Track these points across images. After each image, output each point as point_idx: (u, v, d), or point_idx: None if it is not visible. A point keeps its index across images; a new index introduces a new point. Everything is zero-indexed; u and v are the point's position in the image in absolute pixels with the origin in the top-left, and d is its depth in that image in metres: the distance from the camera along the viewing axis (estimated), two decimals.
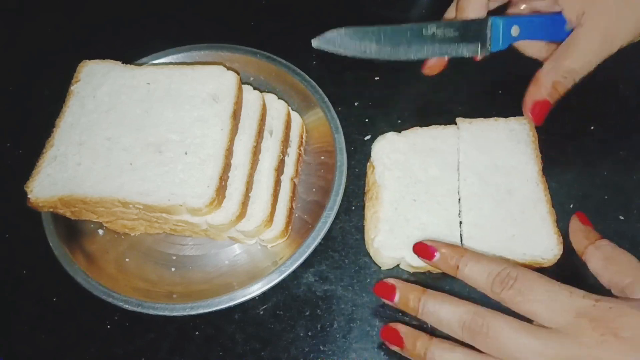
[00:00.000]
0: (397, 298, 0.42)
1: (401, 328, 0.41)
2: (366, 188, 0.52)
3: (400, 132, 0.53)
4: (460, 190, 0.50)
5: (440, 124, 0.54)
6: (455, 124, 0.53)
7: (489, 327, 0.36)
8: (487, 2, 0.52)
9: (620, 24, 0.48)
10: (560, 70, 0.49)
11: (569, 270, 0.46)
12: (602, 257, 0.42)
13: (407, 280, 0.48)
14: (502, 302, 0.38)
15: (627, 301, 0.37)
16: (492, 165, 0.51)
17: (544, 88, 0.50)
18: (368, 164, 0.53)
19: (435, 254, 0.41)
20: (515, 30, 0.52)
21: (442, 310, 0.39)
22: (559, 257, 0.46)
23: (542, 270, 0.46)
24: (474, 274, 0.39)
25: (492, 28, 0.51)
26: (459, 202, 0.49)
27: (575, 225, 0.47)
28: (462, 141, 0.52)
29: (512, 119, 0.53)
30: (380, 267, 0.49)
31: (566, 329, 0.35)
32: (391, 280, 0.43)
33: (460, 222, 0.48)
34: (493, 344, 0.36)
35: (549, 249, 0.46)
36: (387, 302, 0.43)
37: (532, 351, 0.35)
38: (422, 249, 0.42)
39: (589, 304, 0.35)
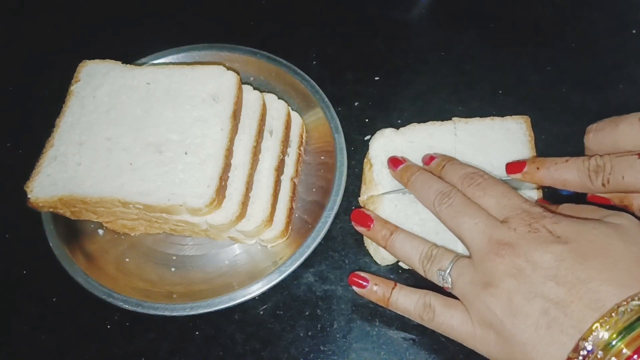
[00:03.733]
0: (400, 167, 0.48)
1: (371, 213, 0.47)
2: (363, 185, 0.52)
3: (396, 128, 0.53)
4: None
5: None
6: (451, 119, 0.54)
7: (454, 198, 0.42)
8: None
9: None
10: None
11: None
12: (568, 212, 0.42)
13: (406, 279, 0.49)
14: (471, 198, 0.42)
15: (577, 219, 0.38)
16: (488, 165, 0.51)
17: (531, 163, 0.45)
18: (365, 160, 0.53)
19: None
20: None
21: (430, 181, 0.45)
22: None
23: None
24: (450, 172, 0.46)
25: None
26: None
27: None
28: (459, 141, 0.52)
29: (508, 118, 0.53)
30: (380, 266, 0.49)
31: (509, 219, 0.38)
32: (403, 157, 0.49)
33: None
34: (450, 212, 0.41)
35: None
36: (391, 170, 0.49)
37: (474, 225, 0.39)
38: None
39: (538, 209, 0.39)
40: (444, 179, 0.45)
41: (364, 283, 0.45)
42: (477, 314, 0.38)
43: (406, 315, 0.43)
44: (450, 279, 0.40)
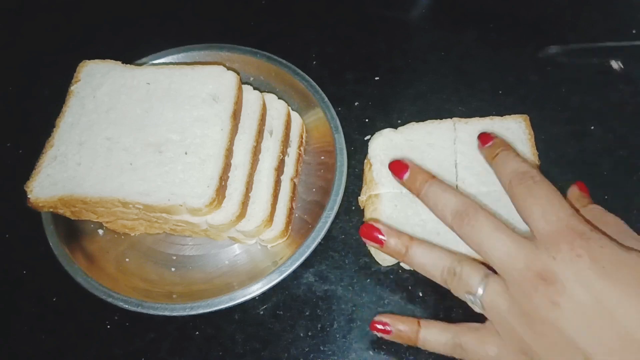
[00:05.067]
0: (407, 175, 0.44)
1: (382, 226, 0.43)
2: (364, 185, 0.52)
3: (396, 128, 0.53)
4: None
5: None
6: (450, 118, 0.54)
7: (477, 220, 0.38)
8: None
9: None
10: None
11: None
12: (591, 220, 0.40)
13: (406, 279, 0.49)
14: (512, 198, 0.39)
15: (623, 248, 0.35)
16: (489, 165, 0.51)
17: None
18: (365, 161, 0.53)
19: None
20: None
21: (444, 194, 0.41)
22: None
23: None
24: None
25: None
26: None
27: (572, 192, 0.46)
28: (459, 141, 0.52)
29: (507, 117, 0.53)
30: (380, 266, 0.49)
31: (546, 241, 0.35)
32: (405, 161, 0.45)
33: None
34: (474, 235, 0.37)
35: None
36: (396, 178, 0.45)
37: (506, 253, 0.36)
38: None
39: (583, 227, 0.35)
40: (493, 168, 0.43)
41: (388, 328, 0.42)
42: (514, 344, 0.36)
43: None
44: (481, 304, 0.37)
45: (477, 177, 0.50)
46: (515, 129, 0.52)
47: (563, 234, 0.35)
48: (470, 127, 0.53)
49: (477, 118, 0.53)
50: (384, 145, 0.52)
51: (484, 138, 0.45)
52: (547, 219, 0.36)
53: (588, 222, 0.36)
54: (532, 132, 0.52)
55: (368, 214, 0.50)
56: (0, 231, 0.54)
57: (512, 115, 0.53)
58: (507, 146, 0.43)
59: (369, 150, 0.53)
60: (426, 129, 0.53)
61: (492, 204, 0.49)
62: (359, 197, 0.52)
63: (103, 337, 0.48)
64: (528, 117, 0.53)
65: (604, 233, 0.36)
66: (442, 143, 0.52)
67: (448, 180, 0.50)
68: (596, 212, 0.42)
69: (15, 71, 0.66)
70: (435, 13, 0.67)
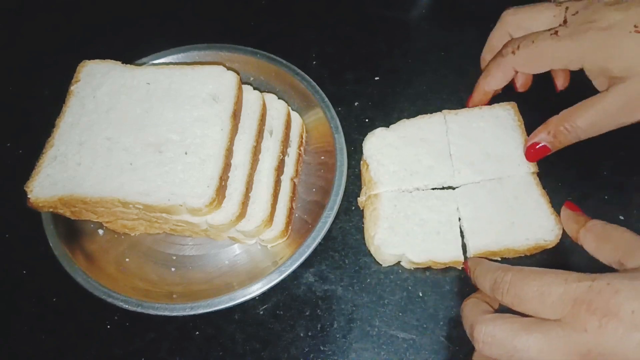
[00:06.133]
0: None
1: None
2: (363, 186, 0.52)
3: (388, 127, 0.54)
4: (455, 184, 0.50)
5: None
6: (439, 111, 0.55)
7: (494, 328, 0.36)
8: (512, 74, 0.53)
9: None
10: (567, 122, 0.48)
11: (576, 250, 0.45)
12: (594, 238, 0.42)
13: (406, 279, 0.49)
14: (507, 306, 0.38)
15: (623, 274, 0.35)
16: (483, 153, 0.51)
17: (546, 132, 0.49)
18: (362, 162, 0.53)
19: None
20: None
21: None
22: (560, 236, 0.47)
23: (547, 250, 0.48)
24: (480, 284, 0.41)
25: None
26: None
27: (565, 214, 0.47)
28: (451, 133, 0.52)
29: (496, 105, 0.54)
30: (380, 266, 0.49)
31: (566, 318, 0.34)
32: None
33: (459, 218, 0.49)
34: (498, 350, 0.36)
35: (549, 230, 0.47)
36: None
37: (538, 349, 0.34)
38: None
39: (584, 287, 0.34)
40: (474, 282, 0.42)
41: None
42: None
43: None
44: None
45: (472, 167, 0.51)
46: (504, 117, 0.53)
47: (575, 309, 0.34)
48: (460, 118, 0.54)
49: (466, 109, 0.54)
50: (378, 144, 0.53)
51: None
52: (548, 305, 0.35)
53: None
54: (521, 119, 0.53)
55: (368, 214, 0.50)
56: (0, 231, 0.54)
57: (500, 103, 0.54)
58: (479, 261, 0.43)
59: (364, 151, 0.53)
60: (417, 125, 0.54)
61: (490, 192, 0.49)
62: (359, 198, 0.52)
63: (103, 337, 0.48)
64: (516, 104, 0.54)
65: (611, 247, 0.37)
66: (435, 136, 0.53)
67: (445, 173, 0.51)
68: (598, 229, 0.42)
69: (15, 71, 0.66)
70: (435, 13, 0.67)
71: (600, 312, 0.33)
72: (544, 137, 0.49)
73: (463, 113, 0.54)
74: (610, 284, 0.33)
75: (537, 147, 0.50)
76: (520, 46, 0.50)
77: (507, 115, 0.53)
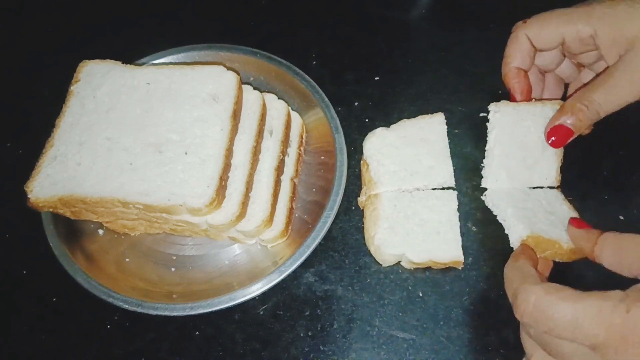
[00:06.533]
0: None
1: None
2: (363, 186, 0.52)
3: (388, 127, 0.54)
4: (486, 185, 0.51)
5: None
6: (440, 112, 0.54)
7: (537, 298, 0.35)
8: (532, 54, 0.51)
9: None
10: (584, 99, 0.47)
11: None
12: (611, 254, 0.40)
13: (406, 279, 0.49)
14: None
15: None
16: (520, 158, 0.51)
17: (565, 113, 0.48)
18: (362, 162, 0.53)
19: None
20: None
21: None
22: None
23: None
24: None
25: None
26: (457, 196, 0.50)
27: (573, 233, 0.45)
28: (495, 130, 0.51)
29: (546, 102, 0.52)
30: (380, 265, 0.49)
31: (604, 346, 0.33)
32: None
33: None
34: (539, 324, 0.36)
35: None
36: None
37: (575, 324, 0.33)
38: None
39: (619, 316, 0.33)
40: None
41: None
42: None
43: None
44: None
45: (506, 172, 0.50)
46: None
47: (612, 341, 0.33)
48: (508, 112, 0.51)
49: (515, 103, 0.52)
50: (379, 144, 0.53)
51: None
52: (584, 337, 0.34)
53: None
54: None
55: (368, 214, 0.50)
56: (0, 231, 0.54)
57: (551, 100, 0.52)
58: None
59: (364, 151, 0.53)
60: (418, 125, 0.54)
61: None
62: (359, 198, 0.52)
63: (103, 337, 0.48)
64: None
65: (631, 259, 0.36)
66: (435, 136, 0.53)
67: (445, 172, 0.51)
68: (611, 241, 0.40)
69: (15, 71, 0.66)
70: (435, 13, 0.67)
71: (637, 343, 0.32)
72: (564, 118, 0.48)
73: (517, 107, 0.51)
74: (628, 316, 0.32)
75: (559, 130, 0.48)
76: (532, 17, 0.50)
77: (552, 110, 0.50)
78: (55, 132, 0.49)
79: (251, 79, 0.60)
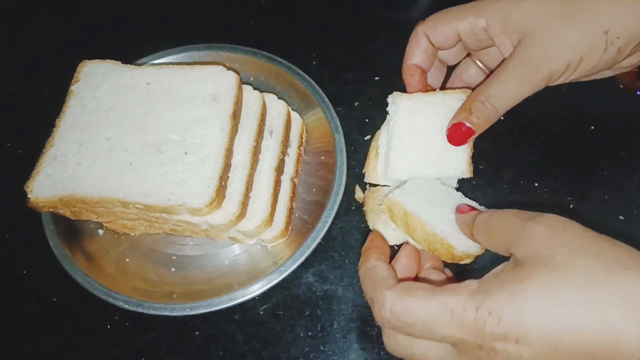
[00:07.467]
0: None
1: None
2: (365, 168, 0.50)
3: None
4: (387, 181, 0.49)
5: None
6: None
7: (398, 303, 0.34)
8: (431, 51, 0.50)
9: (551, 59, 0.43)
10: (480, 95, 0.45)
11: None
12: (484, 234, 0.39)
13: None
14: None
15: (509, 284, 0.32)
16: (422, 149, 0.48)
17: (463, 111, 0.46)
18: (372, 144, 0.51)
19: None
20: None
21: None
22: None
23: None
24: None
25: None
26: None
27: (457, 219, 0.43)
28: (396, 122, 0.49)
29: (449, 92, 0.50)
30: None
31: (463, 344, 0.32)
32: None
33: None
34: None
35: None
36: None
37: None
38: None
39: (470, 314, 0.32)
40: None
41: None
42: None
43: None
44: None
45: (410, 164, 0.48)
46: (456, 107, 0.48)
47: (465, 343, 0.32)
48: (409, 104, 0.49)
49: (418, 93, 0.50)
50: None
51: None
52: (441, 337, 0.33)
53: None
54: None
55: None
56: (0, 231, 0.54)
57: (455, 90, 0.50)
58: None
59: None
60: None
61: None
62: (356, 195, 0.52)
63: (103, 337, 0.48)
64: (471, 91, 0.48)
65: (498, 240, 0.36)
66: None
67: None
68: (483, 223, 0.39)
69: (15, 71, 0.66)
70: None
71: (488, 346, 0.31)
72: (463, 116, 0.45)
73: (413, 98, 0.50)
74: (493, 312, 0.31)
75: (458, 129, 0.46)
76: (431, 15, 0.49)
77: (460, 105, 0.48)
78: (55, 132, 0.49)
79: (251, 79, 0.60)
